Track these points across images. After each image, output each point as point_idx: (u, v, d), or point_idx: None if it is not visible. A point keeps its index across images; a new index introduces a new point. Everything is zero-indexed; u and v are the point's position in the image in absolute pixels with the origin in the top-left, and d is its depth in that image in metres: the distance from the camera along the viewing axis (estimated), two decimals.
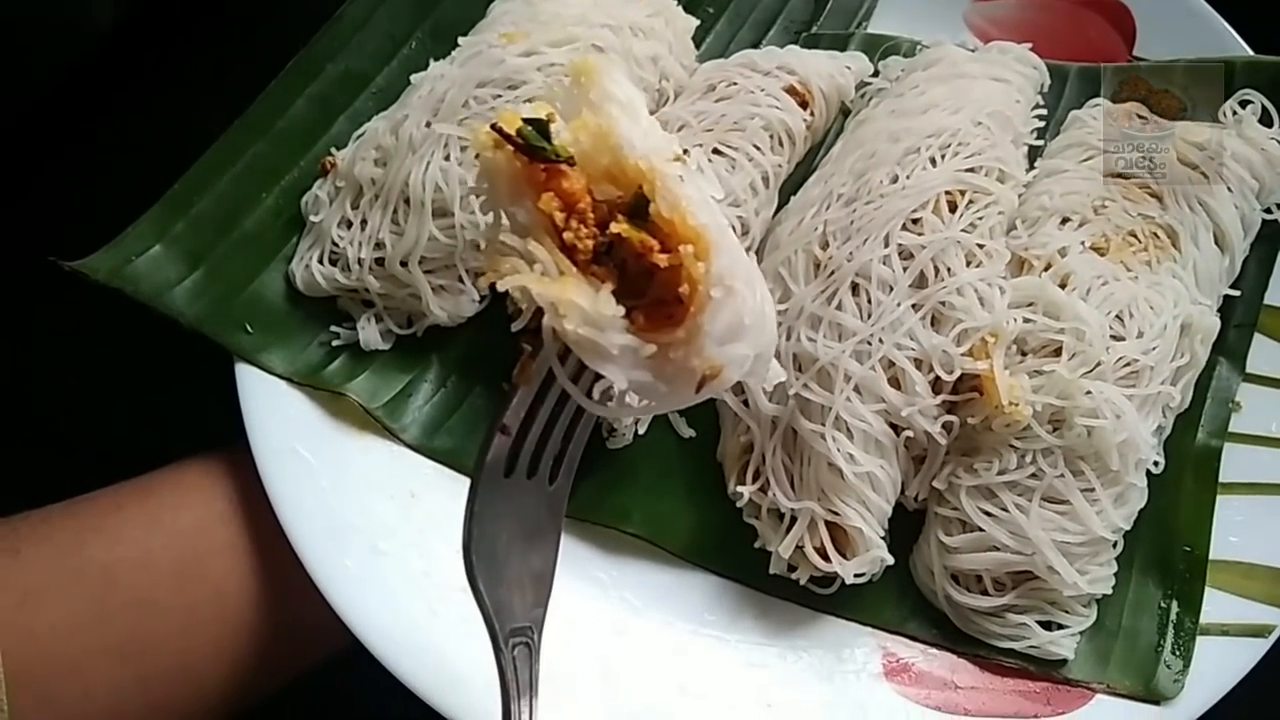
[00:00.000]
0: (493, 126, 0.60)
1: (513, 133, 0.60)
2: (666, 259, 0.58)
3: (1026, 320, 0.94)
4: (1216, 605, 0.91)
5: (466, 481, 0.72)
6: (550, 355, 0.61)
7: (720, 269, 0.58)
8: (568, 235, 0.59)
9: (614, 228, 0.59)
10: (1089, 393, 0.90)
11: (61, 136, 1.14)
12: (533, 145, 0.60)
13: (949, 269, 0.94)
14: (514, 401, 0.71)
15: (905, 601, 0.95)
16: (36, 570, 0.89)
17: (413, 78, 1.09)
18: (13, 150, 1.10)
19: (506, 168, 0.61)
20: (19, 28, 1.05)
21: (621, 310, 0.58)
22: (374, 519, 0.94)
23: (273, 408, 0.97)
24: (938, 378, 0.92)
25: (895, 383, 0.92)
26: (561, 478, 0.74)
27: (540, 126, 0.61)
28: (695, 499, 0.99)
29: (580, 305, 0.57)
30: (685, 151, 0.63)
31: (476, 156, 0.62)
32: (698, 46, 1.20)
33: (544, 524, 0.73)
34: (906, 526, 0.96)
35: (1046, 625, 0.91)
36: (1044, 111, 1.12)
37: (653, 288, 0.59)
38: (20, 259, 0.99)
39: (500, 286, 0.58)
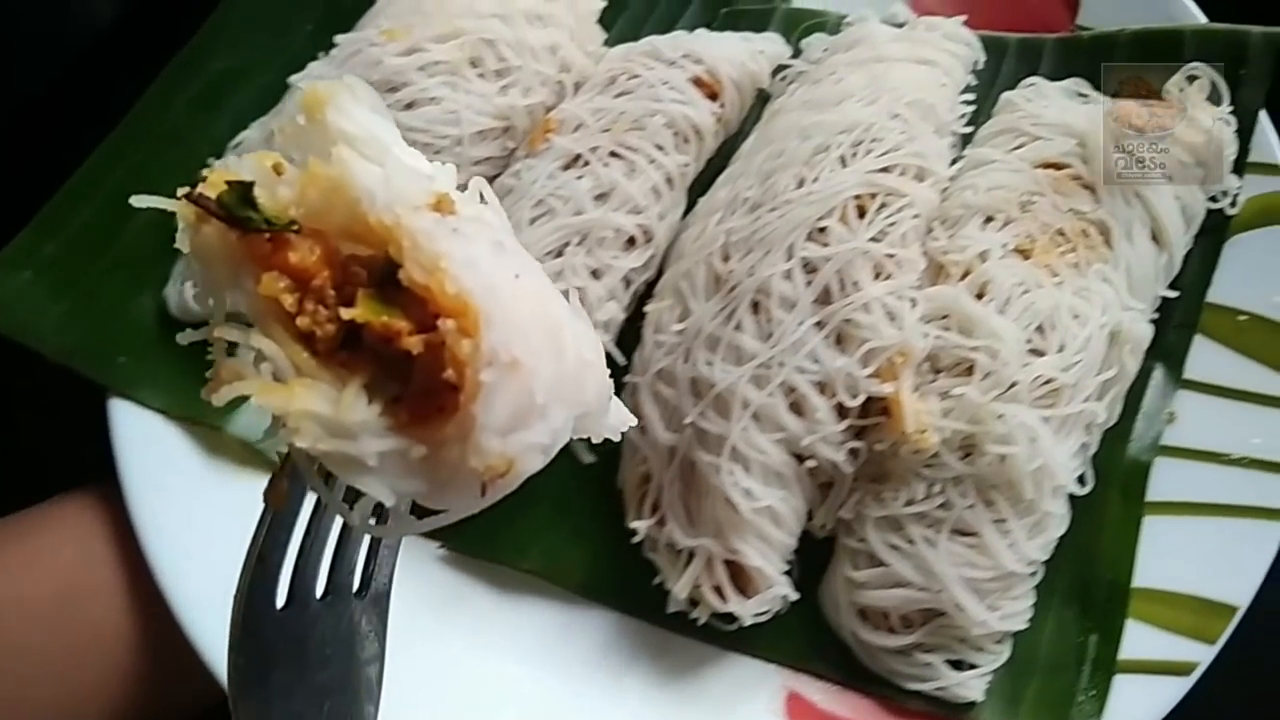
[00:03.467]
0: (188, 195, 0.48)
1: (213, 201, 0.47)
2: (423, 340, 0.46)
3: (940, 335, 0.87)
4: (1138, 639, 0.86)
5: None
6: (306, 471, 0.50)
7: (495, 342, 0.46)
8: (302, 321, 0.47)
9: (346, 313, 0.46)
10: (1001, 417, 0.83)
11: (59, 133, 1.10)
12: (236, 215, 0.48)
13: (855, 283, 0.87)
14: (269, 526, 0.61)
15: (813, 635, 0.90)
16: None
17: (291, 79, 1.02)
18: (9, 146, 1.06)
19: (219, 244, 0.48)
20: (18, 24, 1.03)
21: (378, 409, 0.47)
22: None
23: (148, 444, 0.93)
24: (842, 402, 0.86)
25: (797, 409, 0.86)
26: (373, 589, 0.63)
27: (244, 190, 0.48)
28: (595, 531, 0.94)
29: (317, 413, 0.46)
30: (461, 187, 0.50)
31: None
32: (610, 25, 1.12)
33: (355, 646, 0.62)
34: (818, 554, 0.91)
35: (958, 664, 0.86)
36: (973, 96, 1.04)
37: (416, 374, 0.47)
38: None
39: (215, 401, 0.46)
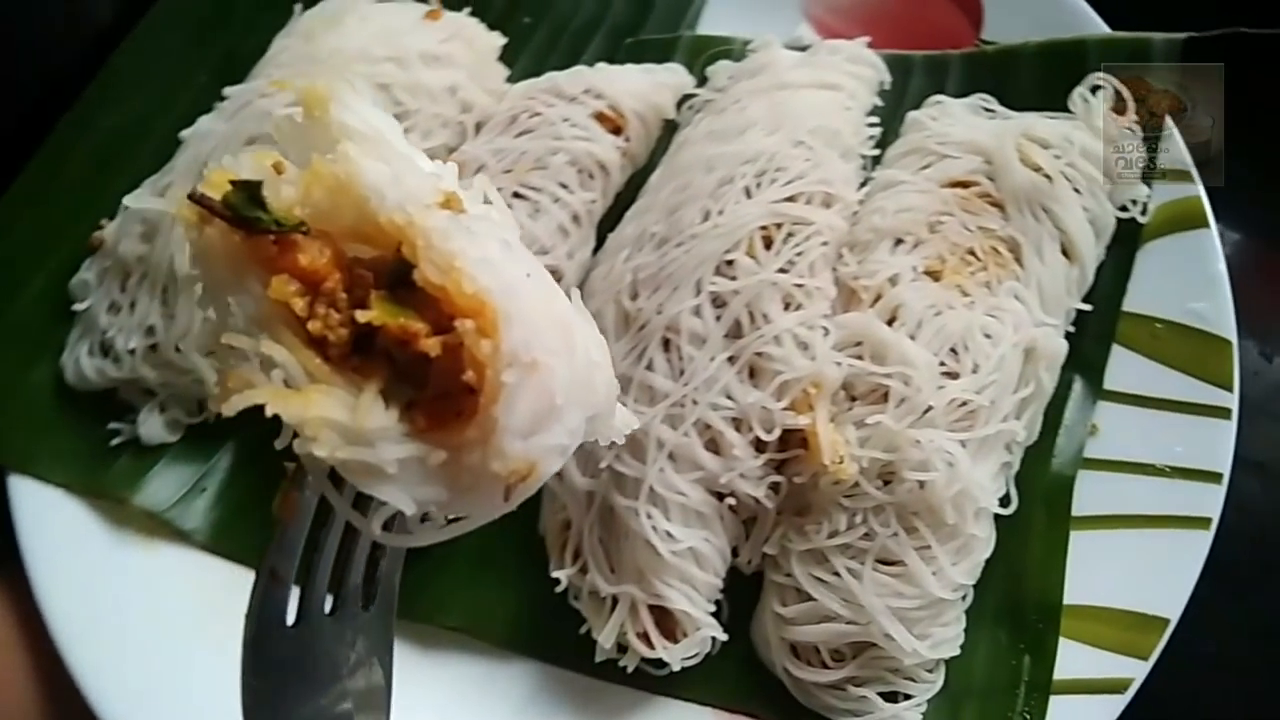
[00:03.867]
0: (192, 196, 0.46)
1: (218, 201, 0.46)
2: (440, 342, 0.45)
3: (853, 363, 0.86)
4: (1072, 658, 0.84)
5: None
6: (320, 481, 0.49)
7: (515, 343, 0.45)
8: (314, 325, 0.46)
9: (362, 316, 0.45)
10: (917, 443, 0.82)
11: None
12: (244, 216, 0.46)
13: (765, 315, 0.86)
14: (281, 541, 0.59)
15: (747, 674, 0.88)
16: None
17: (182, 135, 0.99)
18: (9, 147, 1.03)
19: (223, 246, 0.47)
20: (19, 24, 1.00)
21: (395, 414, 0.45)
22: (165, 636, 0.86)
23: (50, 522, 0.90)
24: (759, 436, 0.84)
25: (713, 446, 0.85)
26: (380, 601, 0.64)
27: (251, 190, 0.46)
28: (519, 581, 0.91)
29: (334, 420, 0.44)
30: (464, 185, 0.49)
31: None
32: (514, 60, 1.11)
33: (363, 657, 0.62)
34: (747, 592, 0.89)
35: (892, 695, 0.85)
36: (879, 119, 1.03)
37: (433, 377, 0.46)
38: None
39: (226, 412, 0.45)
